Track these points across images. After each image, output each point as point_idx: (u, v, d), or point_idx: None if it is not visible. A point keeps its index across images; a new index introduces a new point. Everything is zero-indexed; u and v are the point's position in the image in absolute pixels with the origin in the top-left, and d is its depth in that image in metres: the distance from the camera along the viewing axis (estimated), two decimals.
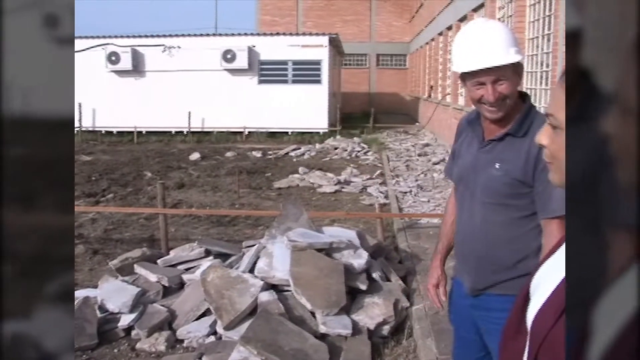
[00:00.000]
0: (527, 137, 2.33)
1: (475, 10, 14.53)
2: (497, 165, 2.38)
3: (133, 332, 4.79)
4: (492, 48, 2.30)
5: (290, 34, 22.26)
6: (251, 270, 5.03)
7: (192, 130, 20.55)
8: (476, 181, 2.47)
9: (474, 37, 2.36)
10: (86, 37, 20.95)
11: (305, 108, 20.77)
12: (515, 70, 2.35)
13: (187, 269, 5.56)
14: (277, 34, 22.27)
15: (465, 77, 2.39)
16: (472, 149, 2.53)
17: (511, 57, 2.30)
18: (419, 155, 15.71)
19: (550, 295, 1.22)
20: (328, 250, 5.11)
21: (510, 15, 11.41)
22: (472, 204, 2.50)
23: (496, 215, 2.42)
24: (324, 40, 21.16)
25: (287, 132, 20.81)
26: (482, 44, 2.32)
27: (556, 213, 2.23)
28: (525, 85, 10.22)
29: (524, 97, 2.47)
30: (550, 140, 1.29)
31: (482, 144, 2.46)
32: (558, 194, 2.17)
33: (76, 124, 19.22)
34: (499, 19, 12.20)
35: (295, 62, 21.06)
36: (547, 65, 9.12)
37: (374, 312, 4.80)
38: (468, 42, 2.38)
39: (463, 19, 15.47)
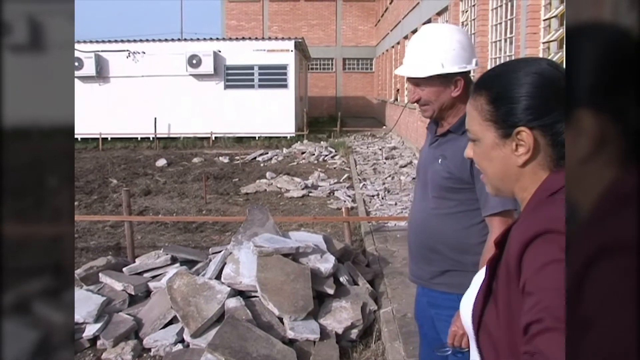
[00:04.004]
0: (465, 134, 2.42)
1: (439, 13, 14.68)
2: (439, 161, 2.52)
3: (99, 342, 4.73)
4: (414, 59, 2.48)
5: (256, 39, 22.18)
6: (218, 277, 5.00)
7: (158, 136, 20.37)
8: (426, 175, 2.60)
9: (412, 44, 2.54)
10: None
11: (272, 113, 20.74)
12: (443, 79, 2.46)
13: (153, 277, 5.51)
14: (243, 38, 22.19)
15: None
16: (426, 146, 2.69)
17: (422, 72, 2.45)
18: (386, 158, 15.79)
19: (482, 283, 1.32)
20: (295, 255, 5.10)
21: (474, 19, 11.53)
22: (422, 197, 2.63)
23: (437, 208, 2.53)
24: (290, 44, 21.16)
25: (254, 137, 20.76)
26: (411, 53, 2.50)
27: (495, 210, 2.33)
28: None
29: None
30: (473, 152, 1.41)
31: (432, 140, 2.62)
32: None
33: None
34: (462, 22, 12.34)
35: (261, 67, 21.01)
36: None
37: (342, 316, 4.80)
38: (408, 47, 2.56)
39: (427, 22, 15.60)
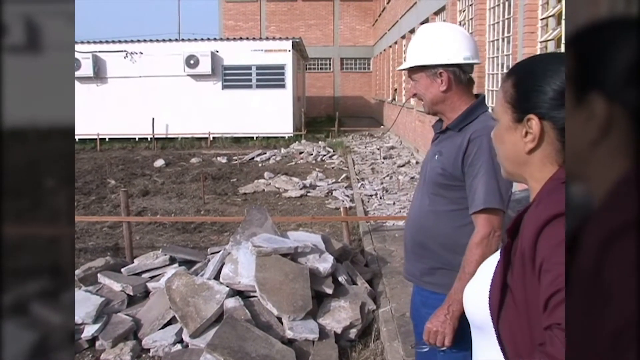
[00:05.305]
0: (462, 132, 2.49)
1: (436, 13, 14.68)
2: (436, 157, 2.54)
3: (97, 343, 4.72)
4: (408, 53, 2.57)
5: (254, 39, 22.19)
6: (216, 277, 5.00)
7: (156, 136, 20.35)
8: (426, 171, 2.63)
9: (411, 41, 2.63)
10: None
11: (270, 113, 20.74)
12: (429, 73, 2.51)
13: (151, 277, 5.51)
14: (241, 38, 22.18)
15: None
16: (430, 143, 2.71)
17: (408, 63, 2.54)
18: (384, 158, 15.80)
19: (495, 274, 1.32)
20: (293, 255, 5.11)
21: (471, 18, 11.54)
22: (420, 194, 2.65)
23: (430, 205, 2.55)
24: (288, 44, 21.16)
25: (252, 137, 20.76)
26: (408, 48, 2.60)
27: (478, 207, 2.35)
28: (487, 87, 10.36)
29: (477, 97, 2.61)
30: (493, 133, 1.43)
31: (435, 137, 2.65)
32: (482, 188, 2.33)
33: None
34: (459, 22, 12.34)
35: (259, 67, 21.01)
36: (507, 67, 9.25)
37: (341, 315, 4.81)
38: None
39: (425, 22, 15.60)
